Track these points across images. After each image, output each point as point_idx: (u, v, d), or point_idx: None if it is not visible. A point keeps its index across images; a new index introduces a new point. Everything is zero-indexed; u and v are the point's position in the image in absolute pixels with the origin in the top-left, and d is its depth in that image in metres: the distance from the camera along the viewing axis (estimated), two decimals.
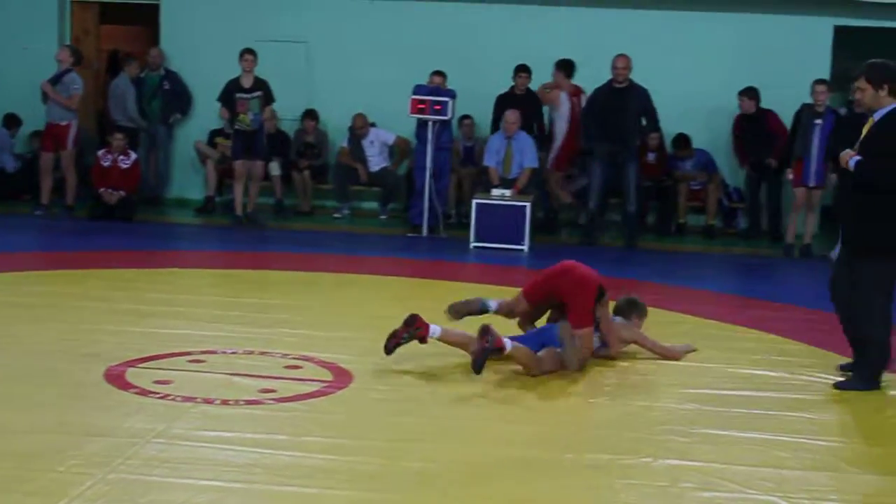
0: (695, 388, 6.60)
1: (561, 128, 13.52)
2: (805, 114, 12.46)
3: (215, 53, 14.73)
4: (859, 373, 6.75)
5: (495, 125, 13.33)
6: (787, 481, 5.04)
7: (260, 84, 13.03)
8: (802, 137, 12.42)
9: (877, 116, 6.54)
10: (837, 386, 6.70)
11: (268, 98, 13.13)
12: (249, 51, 13.05)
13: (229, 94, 13.03)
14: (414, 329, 6.66)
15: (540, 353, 6.74)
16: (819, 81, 12.54)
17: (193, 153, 14.85)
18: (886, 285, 6.62)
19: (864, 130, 6.61)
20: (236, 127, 13.05)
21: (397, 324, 7.83)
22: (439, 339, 6.79)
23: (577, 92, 13.58)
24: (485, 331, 6.45)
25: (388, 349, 6.68)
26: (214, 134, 14.70)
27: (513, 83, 13.53)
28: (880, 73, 6.52)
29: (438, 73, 13.40)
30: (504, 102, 13.33)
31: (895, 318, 6.76)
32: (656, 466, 5.18)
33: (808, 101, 12.58)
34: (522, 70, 13.46)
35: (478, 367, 6.42)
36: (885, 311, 6.62)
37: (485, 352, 6.41)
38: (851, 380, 6.74)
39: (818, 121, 12.40)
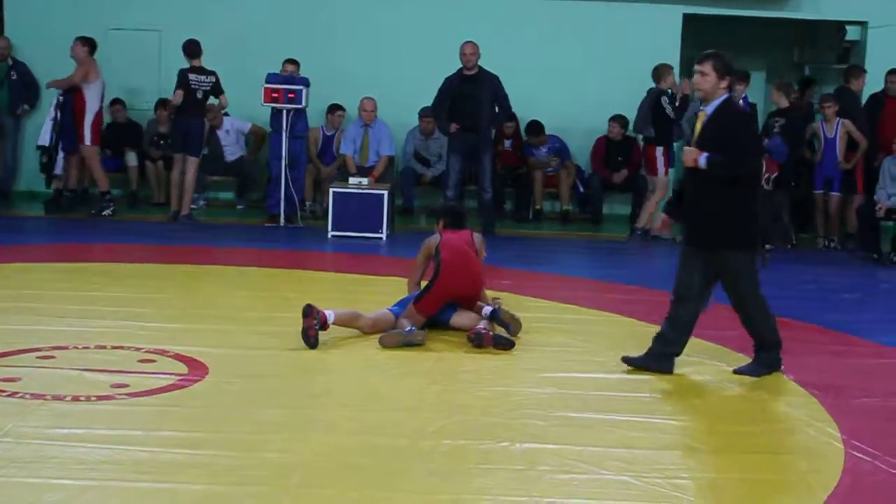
0: (552, 373, 6.68)
1: (93, 102, 13.07)
2: (665, 99, 12.69)
3: (63, 42, 14.36)
4: (760, 359, 6.83)
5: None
6: (639, 461, 5.13)
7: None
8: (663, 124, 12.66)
9: (709, 109, 6.59)
10: (737, 371, 6.80)
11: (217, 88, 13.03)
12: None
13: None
14: (318, 316, 7.03)
15: (373, 314, 7.44)
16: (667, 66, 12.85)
17: None
18: (755, 274, 6.70)
19: (698, 125, 6.65)
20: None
21: (254, 314, 7.93)
22: (335, 323, 7.18)
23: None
24: (308, 311, 7.00)
25: (312, 343, 6.97)
26: None
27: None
28: (725, 65, 6.58)
29: (291, 61, 13.29)
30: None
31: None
32: (514, 450, 5.23)
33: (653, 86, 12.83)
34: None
35: (311, 343, 6.97)
36: (762, 298, 6.76)
37: (314, 332, 7.00)
38: (750, 365, 6.84)
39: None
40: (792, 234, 12.66)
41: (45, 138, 13.09)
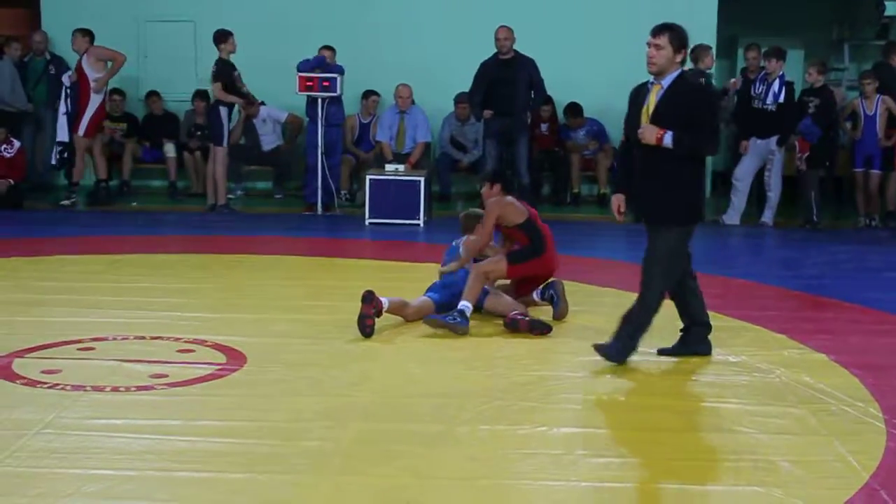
0: (588, 356, 6.61)
1: (97, 94, 13.05)
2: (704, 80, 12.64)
3: (99, 35, 14.44)
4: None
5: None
6: (679, 443, 5.11)
7: None
8: None
9: (665, 83, 6.34)
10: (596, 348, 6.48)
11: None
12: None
13: (230, 74, 12.72)
14: (377, 305, 7.00)
15: (416, 303, 7.38)
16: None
17: None
18: (682, 252, 6.50)
19: (653, 98, 6.37)
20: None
21: (292, 303, 7.93)
22: (386, 311, 7.15)
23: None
24: (369, 297, 6.96)
25: (367, 332, 6.94)
26: None
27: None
28: (682, 38, 6.32)
29: (327, 47, 13.25)
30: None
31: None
32: (551, 435, 5.22)
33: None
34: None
35: (367, 333, 6.93)
36: (671, 279, 6.48)
37: (372, 321, 6.97)
38: (611, 343, 6.50)
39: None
40: (814, 216, 12.49)
41: (62, 134, 13.13)
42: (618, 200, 6.79)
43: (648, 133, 6.28)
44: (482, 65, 12.64)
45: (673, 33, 6.32)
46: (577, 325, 7.44)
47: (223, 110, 12.71)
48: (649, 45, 6.35)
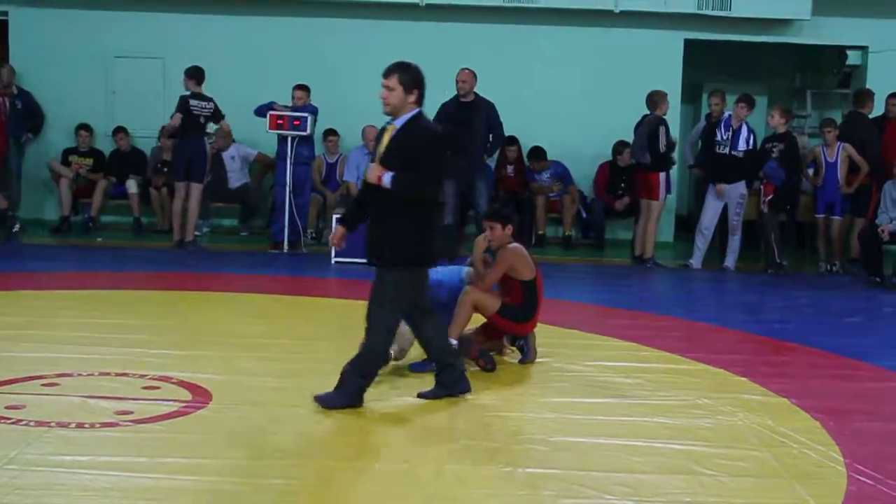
0: (553, 397, 6.69)
1: None
2: (664, 127, 12.77)
3: (68, 70, 14.51)
4: (342, 384, 6.35)
5: None
6: (642, 485, 5.14)
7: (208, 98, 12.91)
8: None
9: (398, 123, 6.29)
10: (316, 399, 6.29)
11: (217, 114, 12.98)
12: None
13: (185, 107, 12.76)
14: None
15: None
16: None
17: (47, 172, 14.53)
18: (407, 296, 6.35)
19: (385, 139, 6.34)
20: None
21: (258, 340, 7.94)
22: None
23: (4, 92, 13.35)
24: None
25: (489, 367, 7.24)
26: (68, 153, 14.43)
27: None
28: (413, 78, 6.29)
29: (301, 87, 13.23)
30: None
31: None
32: (516, 475, 5.24)
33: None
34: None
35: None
36: (395, 322, 6.42)
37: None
38: (331, 393, 6.34)
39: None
40: (776, 257, 12.60)
41: None
42: (337, 232, 6.65)
43: (370, 173, 6.28)
44: (442, 106, 12.68)
45: (402, 73, 6.30)
46: (541, 367, 7.47)
47: (207, 146, 12.81)
48: (382, 86, 6.33)
